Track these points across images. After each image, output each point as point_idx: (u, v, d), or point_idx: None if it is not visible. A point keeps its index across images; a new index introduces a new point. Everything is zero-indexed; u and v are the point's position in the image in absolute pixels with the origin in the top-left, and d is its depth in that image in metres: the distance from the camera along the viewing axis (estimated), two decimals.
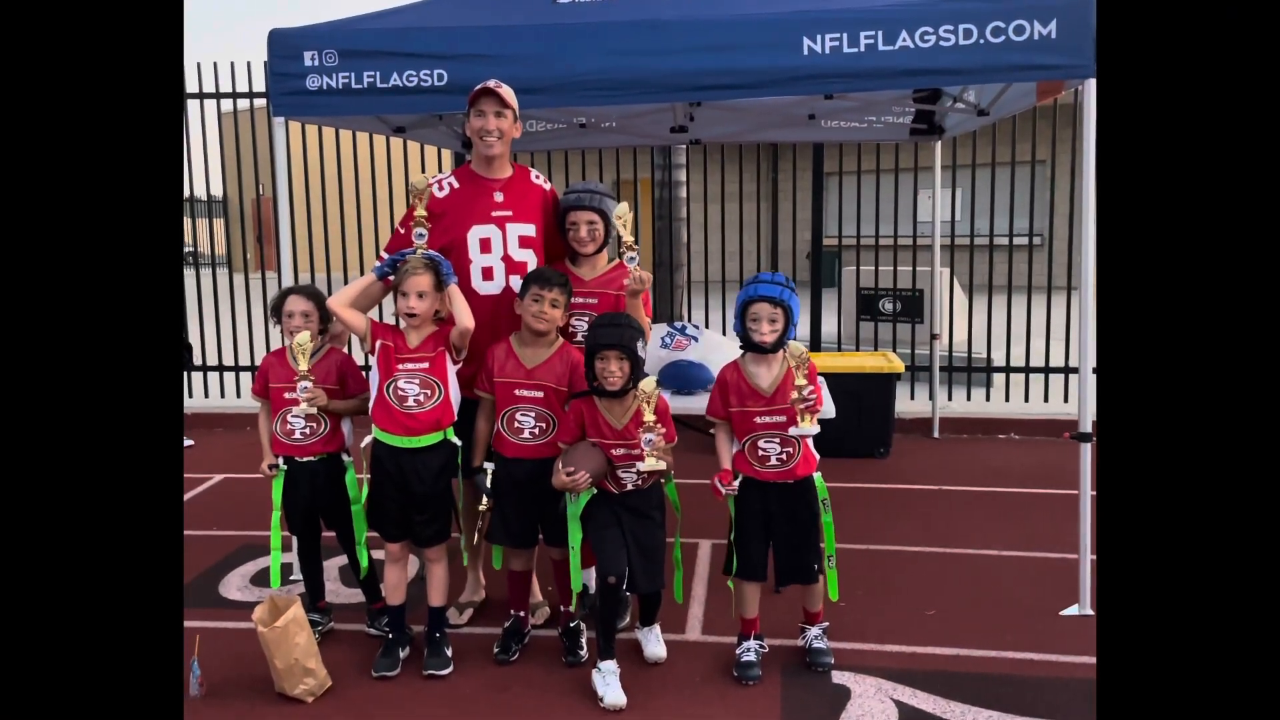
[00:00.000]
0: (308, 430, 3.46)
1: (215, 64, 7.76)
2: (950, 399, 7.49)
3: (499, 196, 3.55)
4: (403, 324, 3.37)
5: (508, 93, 3.47)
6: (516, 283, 3.50)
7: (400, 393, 3.30)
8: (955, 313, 8.18)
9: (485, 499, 3.42)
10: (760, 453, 3.26)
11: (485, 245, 3.51)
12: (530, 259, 3.56)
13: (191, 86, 9.90)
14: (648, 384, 3.11)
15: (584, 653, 3.47)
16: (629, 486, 3.31)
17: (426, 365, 3.31)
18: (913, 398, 7.51)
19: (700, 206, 13.13)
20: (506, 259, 3.54)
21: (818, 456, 3.35)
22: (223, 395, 8.16)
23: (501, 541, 3.50)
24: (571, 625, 3.52)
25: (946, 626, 3.71)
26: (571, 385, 3.37)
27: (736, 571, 3.36)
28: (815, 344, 8.03)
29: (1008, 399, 7.49)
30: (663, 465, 3.16)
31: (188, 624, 3.70)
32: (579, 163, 8.23)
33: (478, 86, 3.46)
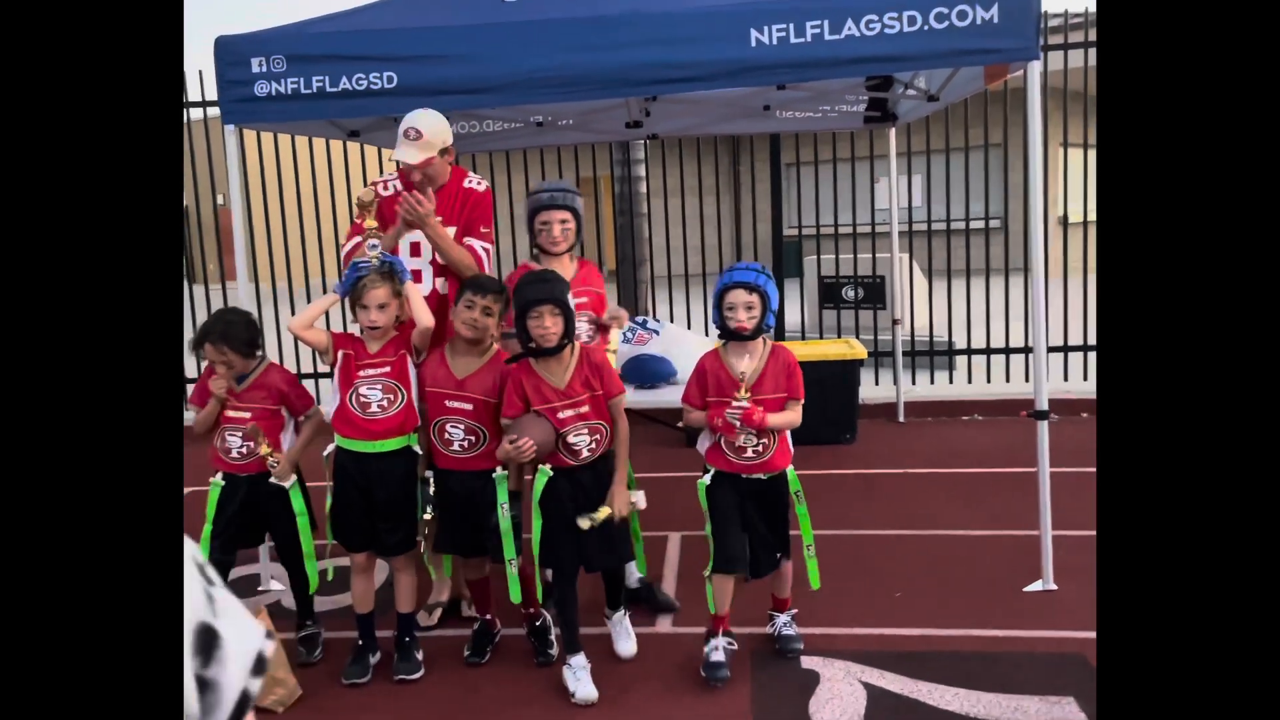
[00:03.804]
0: (244, 450, 3.38)
1: None
2: (914, 383, 7.57)
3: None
4: (364, 334, 3.34)
5: (425, 129, 3.48)
6: (443, 285, 3.60)
7: (362, 400, 3.27)
8: (916, 298, 8.26)
9: (430, 509, 3.35)
10: (738, 444, 3.21)
11: (415, 250, 3.60)
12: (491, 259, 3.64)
13: None
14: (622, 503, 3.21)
15: (554, 651, 3.47)
16: (584, 453, 3.21)
17: (388, 369, 3.28)
18: (877, 383, 7.58)
19: (661, 201, 13.17)
20: (434, 263, 3.62)
21: (793, 450, 3.33)
22: (186, 408, 8.08)
23: (449, 550, 3.46)
24: (538, 625, 3.50)
25: (913, 607, 3.75)
26: (501, 398, 3.26)
27: (715, 566, 3.26)
28: (780, 333, 8.08)
29: (970, 381, 7.57)
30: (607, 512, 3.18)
31: None
32: (538, 161, 8.21)
33: (401, 128, 3.50)
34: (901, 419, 6.95)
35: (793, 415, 3.22)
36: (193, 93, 12.21)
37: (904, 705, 3.06)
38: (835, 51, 3.62)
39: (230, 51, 3.89)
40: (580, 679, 3.18)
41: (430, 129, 3.50)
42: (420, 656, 3.43)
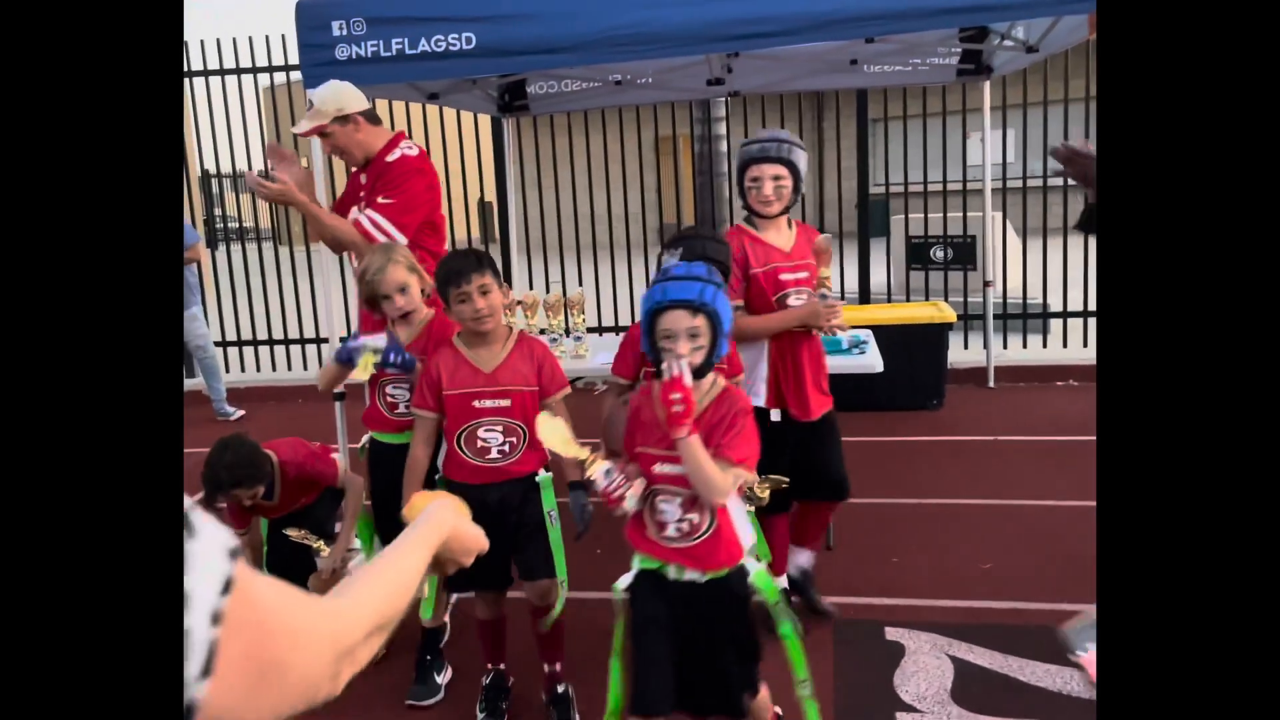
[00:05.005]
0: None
1: (267, 37, 7.80)
2: (1005, 347, 7.33)
3: (364, 179, 3.62)
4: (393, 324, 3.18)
5: (316, 97, 3.43)
6: None
7: (390, 400, 3.17)
8: (1009, 258, 7.97)
9: None
10: (657, 516, 2.25)
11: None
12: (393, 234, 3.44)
13: (235, 61, 10.04)
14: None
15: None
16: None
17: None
18: (966, 347, 7.35)
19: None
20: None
21: (749, 539, 2.30)
22: (274, 369, 8.28)
23: (469, 588, 2.87)
24: (560, 691, 2.92)
25: (1003, 580, 3.64)
26: (541, 385, 2.77)
27: (631, 708, 2.24)
28: (865, 296, 7.89)
29: (1065, 345, 7.30)
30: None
31: None
32: (616, 120, 8.12)
33: None
34: (992, 384, 6.74)
35: (712, 474, 2.10)
36: (277, 58, 12.32)
37: (993, 680, 2.97)
38: (928, 1, 3.45)
39: (311, 15, 3.90)
40: None
41: (321, 97, 3.41)
42: (440, 680, 3.13)
